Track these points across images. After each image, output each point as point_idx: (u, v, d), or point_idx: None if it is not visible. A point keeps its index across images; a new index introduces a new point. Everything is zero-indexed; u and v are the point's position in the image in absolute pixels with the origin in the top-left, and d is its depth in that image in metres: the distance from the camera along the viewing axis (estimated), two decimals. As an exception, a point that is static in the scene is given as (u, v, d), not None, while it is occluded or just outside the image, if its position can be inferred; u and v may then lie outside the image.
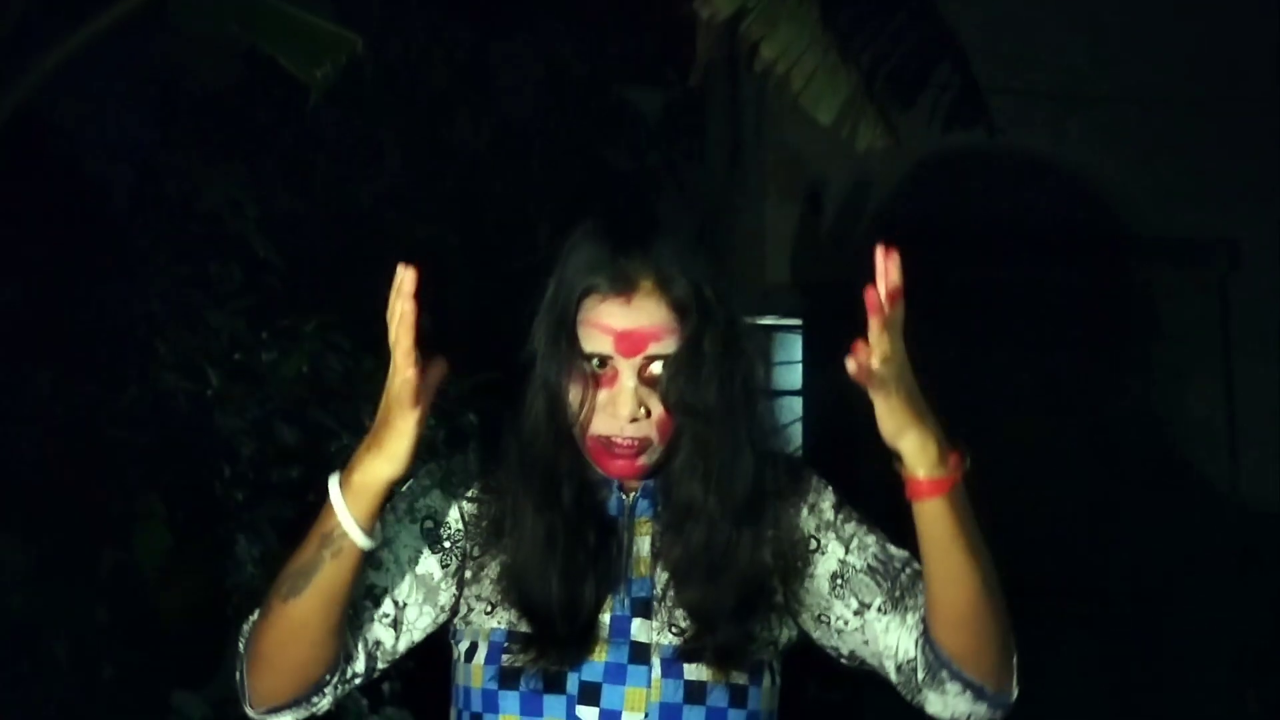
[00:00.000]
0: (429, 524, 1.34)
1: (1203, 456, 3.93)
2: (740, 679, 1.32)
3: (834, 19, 2.68)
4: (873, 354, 1.16)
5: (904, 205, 3.87)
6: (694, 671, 1.30)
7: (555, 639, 1.29)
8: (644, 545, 1.35)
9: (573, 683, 1.29)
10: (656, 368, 1.31)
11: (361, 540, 1.23)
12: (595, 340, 1.31)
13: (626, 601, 1.33)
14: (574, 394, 1.31)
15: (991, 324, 3.85)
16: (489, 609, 1.32)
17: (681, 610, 1.32)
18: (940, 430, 1.21)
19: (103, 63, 2.89)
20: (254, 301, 2.88)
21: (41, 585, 2.53)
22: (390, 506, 1.34)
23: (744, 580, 1.32)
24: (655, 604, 1.33)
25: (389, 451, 1.22)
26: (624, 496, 1.36)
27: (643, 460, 1.32)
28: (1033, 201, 3.90)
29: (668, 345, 1.31)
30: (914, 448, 1.20)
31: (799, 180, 3.88)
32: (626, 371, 1.30)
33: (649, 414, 1.31)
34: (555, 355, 1.32)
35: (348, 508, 1.22)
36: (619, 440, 1.30)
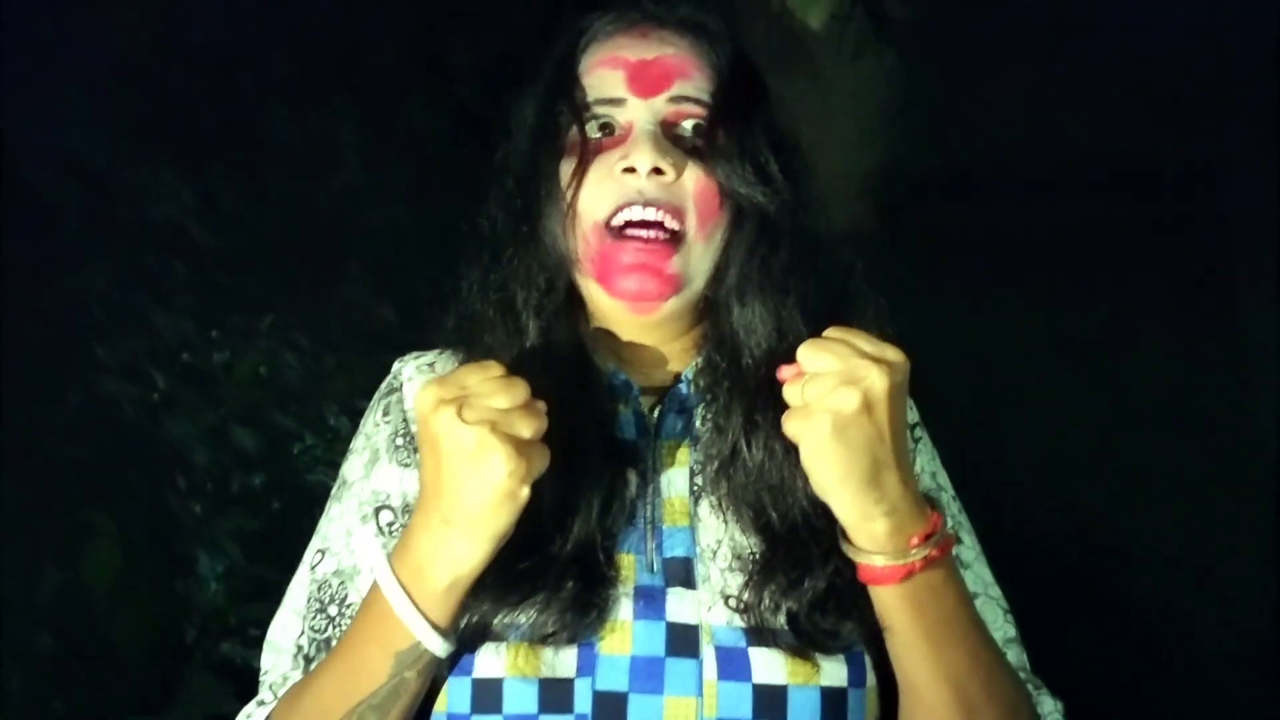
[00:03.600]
0: (385, 515, 1.08)
1: (1219, 401, 3.81)
2: (836, 676, 0.94)
3: None
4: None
5: (900, 151, 3.72)
6: (767, 666, 0.93)
7: (553, 594, 0.95)
8: (677, 481, 1.00)
9: (583, 696, 0.92)
10: (688, 125, 1.01)
11: (448, 648, 0.94)
12: (602, 81, 1.02)
13: (657, 564, 0.98)
14: (578, 175, 1.01)
15: (992, 268, 3.69)
16: None
17: (741, 572, 0.98)
18: (905, 498, 0.90)
19: (26, 41, 2.70)
20: (201, 298, 2.69)
21: (-20, 613, 2.34)
22: (336, 499, 1.11)
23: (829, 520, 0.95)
24: (700, 565, 0.99)
25: (491, 529, 0.90)
26: (643, 413, 1.02)
27: (674, 266, 0.99)
28: (1030, 142, 3.74)
29: (699, 87, 1.02)
30: (849, 515, 0.91)
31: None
32: (641, 117, 1.01)
33: (679, 174, 1.00)
34: (542, 137, 1.02)
35: (423, 613, 0.92)
36: (636, 221, 0.98)
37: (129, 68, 3.12)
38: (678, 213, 1.01)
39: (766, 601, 0.97)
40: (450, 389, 0.91)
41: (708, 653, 0.95)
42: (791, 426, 0.91)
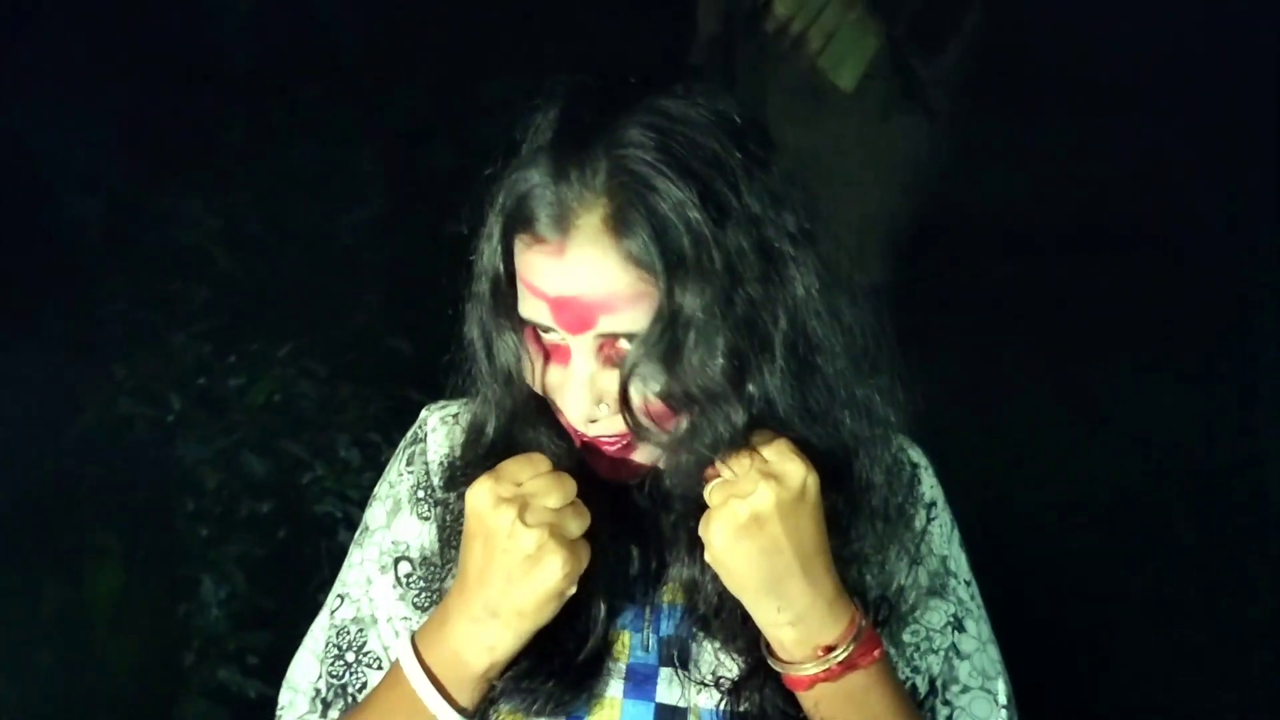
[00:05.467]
0: (404, 566, 1.08)
1: (1230, 459, 3.79)
2: None
3: None
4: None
5: (920, 200, 3.71)
6: None
7: (550, 676, 0.96)
8: (672, 556, 0.99)
9: None
10: (623, 341, 0.92)
11: None
12: (529, 305, 0.93)
13: (653, 642, 1.00)
14: (525, 361, 0.96)
15: (1008, 322, 3.68)
16: None
17: (735, 654, 0.98)
18: (815, 607, 0.90)
19: (54, 67, 2.74)
20: (221, 323, 2.69)
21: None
22: (358, 544, 1.10)
23: None
24: (695, 646, 1.00)
25: (535, 623, 0.91)
26: (639, 488, 1.00)
27: (639, 457, 0.96)
28: (1054, 197, 3.73)
29: (629, 320, 0.90)
30: (757, 619, 0.92)
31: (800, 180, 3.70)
32: (578, 353, 0.92)
33: (619, 405, 0.93)
34: (494, 309, 0.95)
35: (450, 698, 0.93)
36: (588, 438, 0.95)
37: (159, 93, 3.16)
38: (626, 434, 0.96)
39: (753, 687, 0.98)
40: (506, 486, 0.91)
41: None
42: (700, 528, 0.93)
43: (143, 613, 2.47)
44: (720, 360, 0.91)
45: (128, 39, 3.10)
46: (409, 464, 1.11)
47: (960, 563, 1.08)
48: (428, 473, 1.09)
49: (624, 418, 0.93)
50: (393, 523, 1.10)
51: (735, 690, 0.98)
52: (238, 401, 2.58)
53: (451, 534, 1.05)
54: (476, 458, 1.02)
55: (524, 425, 0.99)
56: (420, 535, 1.08)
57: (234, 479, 2.53)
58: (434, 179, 3.90)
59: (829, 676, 0.92)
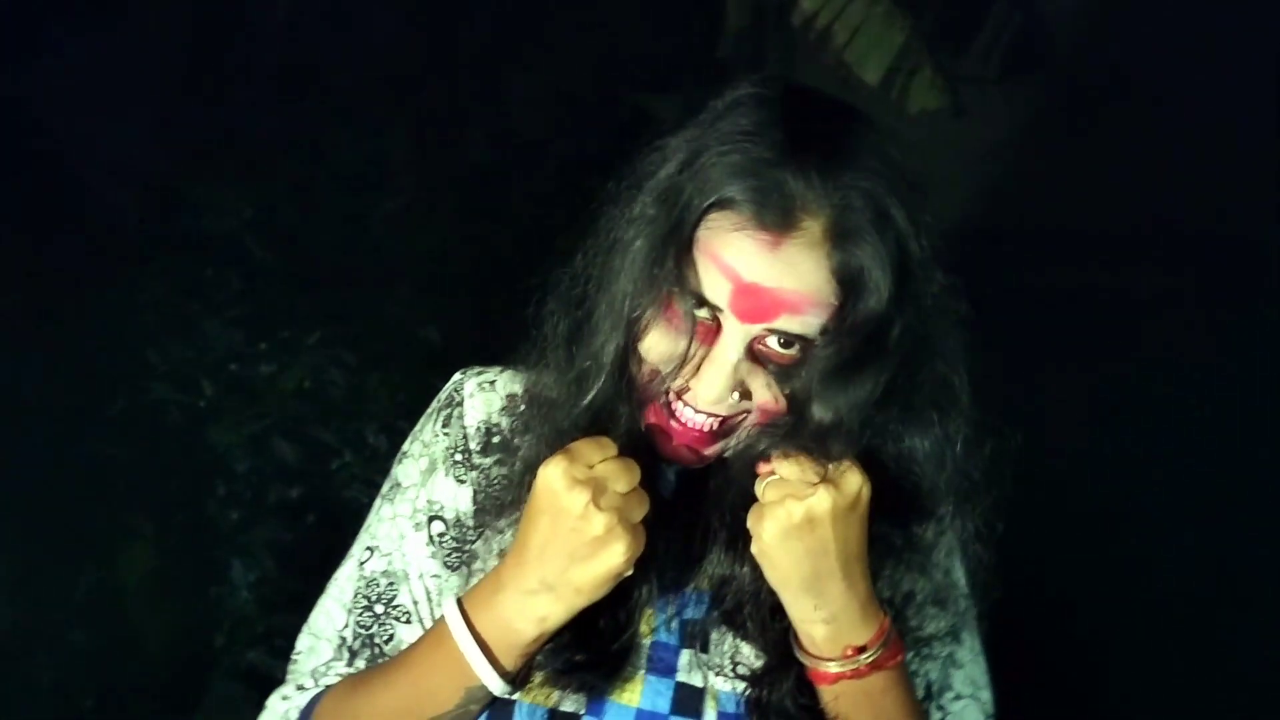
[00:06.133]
0: (437, 525, 1.09)
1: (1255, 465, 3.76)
2: None
3: None
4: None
5: (945, 205, 3.69)
6: None
7: (584, 648, 0.99)
8: (710, 545, 1.02)
9: None
10: (776, 345, 0.95)
11: (513, 691, 0.99)
12: (708, 281, 0.94)
13: (675, 624, 1.03)
14: (656, 334, 0.96)
15: (1040, 331, 3.67)
16: None
17: (757, 646, 1.02)
18: (849, 608, 0.95)
19: (89, 62, 2.77)
20: (253, 310, 2.72)
21: (18, 604, 2.38)
22: (388, 499, 1.11)
23: None
24: (716, 632, 1.03)
25: (589, 599, 0.95)
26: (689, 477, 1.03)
27: (713, 449, 0.99)
28: (1084, 202, 3.70)
29: (807, 324, 0.94)
30: (792, 614, 0.96)
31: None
32: (732, 337, 0.94)
33: (746, 397, 0.97)
34: (650, 277, 0.94)
35: (497, 662, 0.96)
36: (688, 419, 0.97)
37: (196, 83, 3.20)
38: (734, 424, 0.99)
39: (776, 679, 1.01)
40: (580, 468, 0.94)
41: (709, 716, 1.01)
42: (750, 521, 0.96)
43: (174, 595, 2.51)
44: (877, 390, 0.96)
45: (163, 32, 3.14)
46: (445, 425, 1.12)
47: (961, 576, 1.12)
48: (465, 436, 1.11)
49: (771, 396, 0.96)
50: (428, 481, 1.11)
51: (759, 680, 1.01)
52: (269, 388, 2.61)
53: (486, 498, 1.08)
54: (552, 431, 1.02)
55: (602, 404, 1.01)
56: (455, 497, 1.10)
57: (264, 464, 2.56)
58: (466, 170, 3.93)
59: (855, 675, 0.97)
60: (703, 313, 0.96)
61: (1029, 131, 3.30)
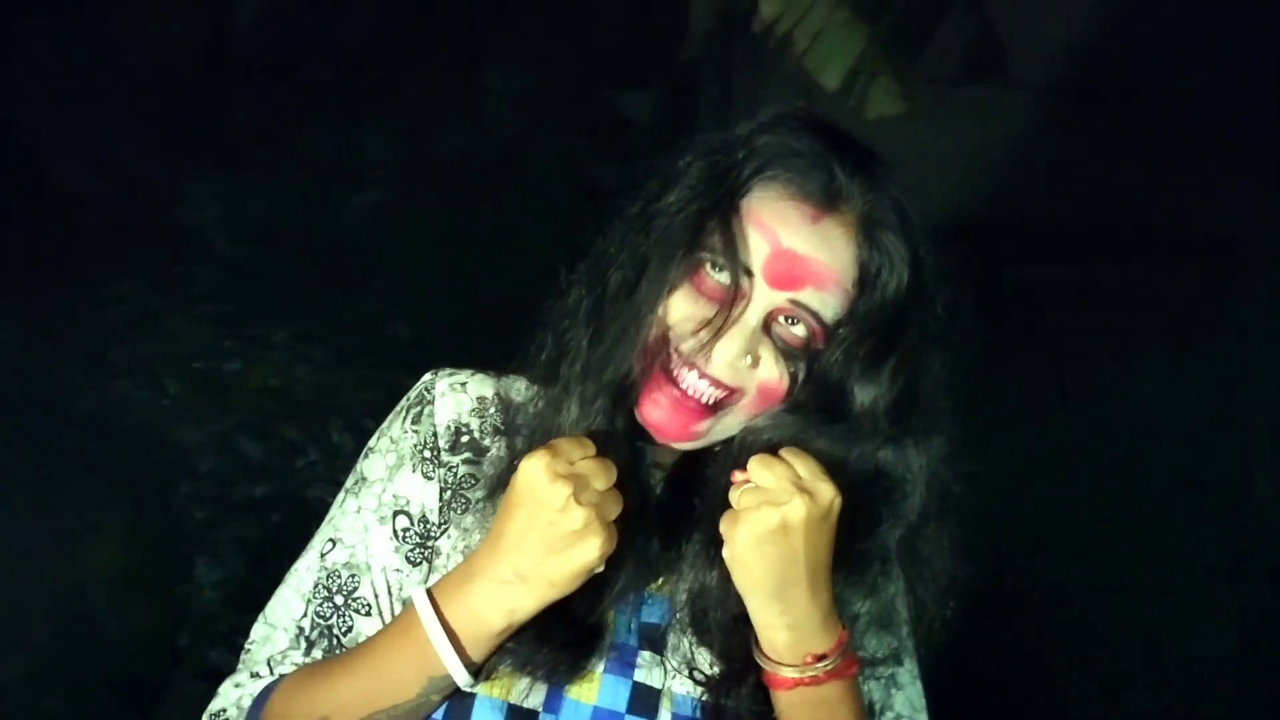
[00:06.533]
0: (401, 520, 1.10)
1: (1221, 459, 3.80)
2: None
3: None
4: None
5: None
6: None
7: (546, 642, 1.00)
8: (684, 548, 1.04)
9: None
10: (795, 328, 1.00)
11: (470, 683, 1.00)
12: (752, 242, 0.99)
13: (635, 624, 1.05)
14: (680, 296, 1.00)
15: (1004, 325, 3.69)
16: None
17: (717, 652, 1.03)
18: (812, 616, 0.98)
19: (59, 52, 2.75)
20: (220, 307, 2.71)
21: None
22: (352, 493, 1.12)
23: None
24: (673, 635, 1.05)
25: (560, 592, 0.96)
26: (649, 484, 1.05)
27: (703, 426, 1.01)
28: (1043, 198, 3.72)
29: (826, 303, 1.00)
30: (756, 619, 0.99)
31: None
32: (758, 302, 0.99)
33: (754, 365, 1.00)
34: (692, 241, 0.99)
35: (464, 652, 0.98)
36: (690, 386, 0.99)
37: (167, 74, 3.18)
38: (734, 393, 1.02)
39: (734, 684, 1.03)
40: (562, 464, 0.96)
41: (664, 717, 1.03)
42: (723, 526, 0.98)
43: (139, 593, 2.51)
44: (887, 390, 1.02)
45: (137, 23, 3.12)
46: (415, 422, 1.13)
47: (905, 604, 1.14)
48: (434, 434, 1.11)
49: (778, 371, 1.00)
50: (395, 476, 1.12)
51: (716, 686, 1.03)
52: (235, 385, 2.60)
53: (453, 495, 1.10)
54: (532, 434, 1.05)
55: (591, 409, 1.03)
56: (422, 493, 1.11)
57: (230, 462, 2.55)
58: (439, 165, 3.92)
59: (813, 682, 0.99)
60: (721, 277, 1.01)
61: (987, 133, 3.33)
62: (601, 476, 0.96)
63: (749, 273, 1.00)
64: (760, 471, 0.97)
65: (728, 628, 1.03)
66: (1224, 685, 3.67)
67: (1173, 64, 3.62)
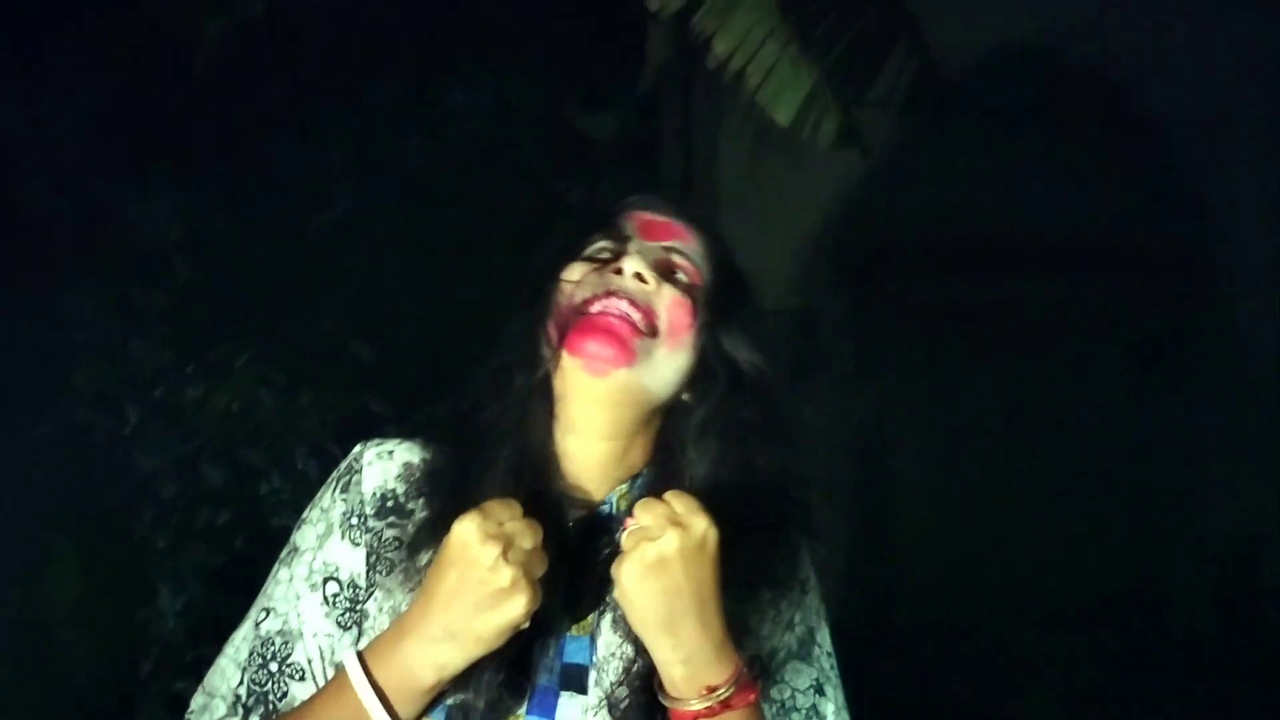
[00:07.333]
0: (331, 586, 1.14)
1: (1187, 476, 3.86)
2: None
3: (794, 5, 2.49)
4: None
5: (868, 224, 3.75)
6: None
7: (468, 689, 1.04)
8: (596, 595, 1.10)
9: None
10: (678, 274, 1.15)
11: None
12: (614, 229, 1.17)
13: (556, 667, 1.09)
14: (571, 268, 1.14)
15: (963, 345, 3.74)
16: None
17: (628, 686, 1.08)
18: (704, 648, 1.02)
19: (17, 71, 2.72)
20: (181, 330, 2.69)
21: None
22: (285, 563, 1.16)
23: None
24: (594, 673, 1.09)
25: (487, 648, 1.02)
26: (568, 529, 1.11)
27: (636, 343, 1.10)
28: (1000, 215, 3.79)
29: (695, 250, 1.16)
30: (653, 655, 1.04)
31: (756, 202, 3.74)
32: (640, 249, 1.15)
33: (658, 286, 1.13)
34: (580, 249, 1.15)
35: (392, 709, 1.02)
36: (612, 308, 1.10)
37: (127, 91, 3.15)
38: (649, 313, 1.12)
39: (643, 716, 1.07)
40: (492, 525, 1.02)
41: None
42: (614, 568, 1.04)
43: (101, 620, 2.48)
44: (740, 351, 1.16)
45: (95, 38, 3.09)
46: (343, 491, 1.18)
47: (825, 636, 1.20)
48: (361, 501, 1.17)
49: (669, 321, 1.13)
50: (324, 545, 1.16)
51: (623, 718, 1.08)
52: (196, 410, 2.57)
53: (379, 559, 1.15)
54: (450, 494, 1.11)
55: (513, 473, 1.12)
56: (350, 559, 1.15)
57: (192, 488, 2.53)
58: (399, 184, 3.91)
59: (709, 713, 1.03)
60: (604, 254, 1.16)
61: (929, 159, 3.41)
62: (529, 536, 1.02)
63: (626, 237, 1.15)
64: (641, 512, 1.03)
65: (637, 671, 1.08)
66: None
67: (1122, 84, 3.70)
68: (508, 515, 1.03)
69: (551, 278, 1.15)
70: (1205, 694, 3.62)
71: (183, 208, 2.96)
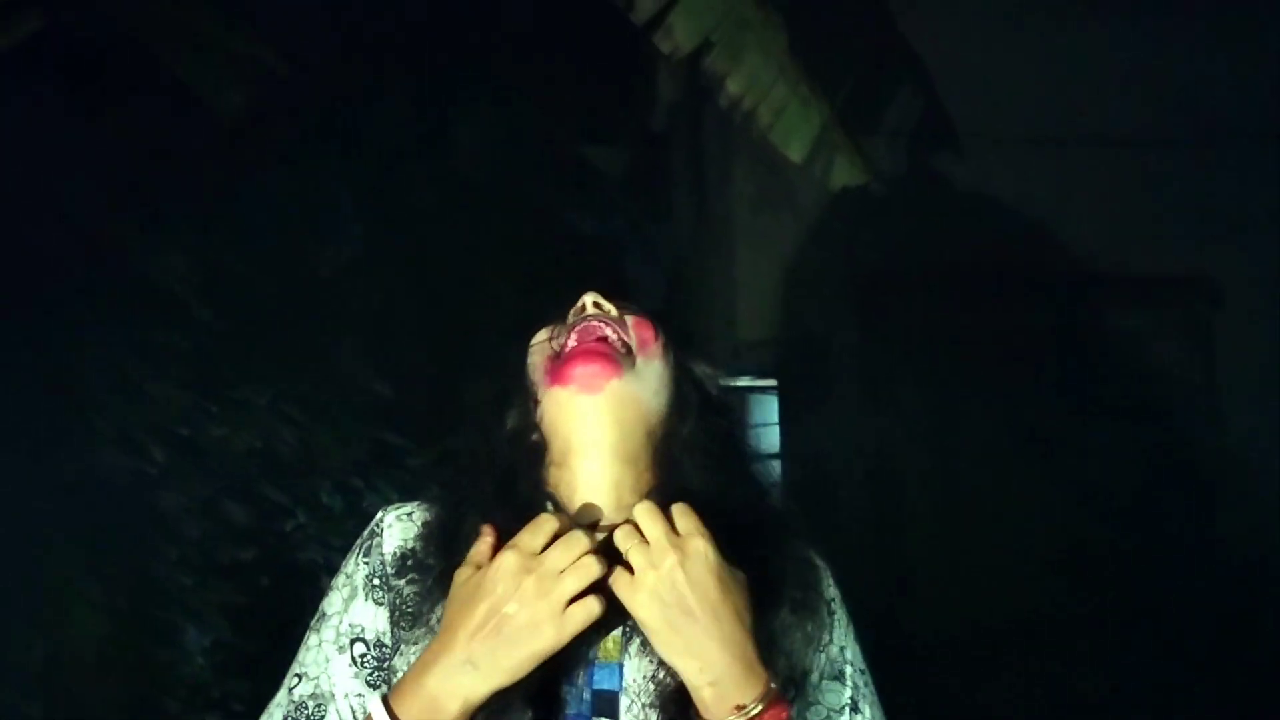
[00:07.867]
0: (359, 647, 1.17)
1: (1185, 497, 3.88)
2: None
3: (802, 47, 2.54)
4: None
5: (877, 252, 3.79)
6: None
7: (505, 712, 1.05)
8: (616, 619, 1.09)
9: None
10: (630, 319, 1.19)
11: None
12: (565, 309, 1.21)
13: (588, 694, 1.10)
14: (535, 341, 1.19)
15: (968, 368, 3.76)
16: None
17: (661, 710, 1.08)
18: (732, 668, 1.03)
19: (38, 113, 2.75)
20: (201, 372, 2.71)
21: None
22: (314, 630, 1.20)
23: None
24: (625, 698, 1.10)
25: (513, 678, 1.04)
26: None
27: (618, 358, 1.15)
28: (1006, 244, 3.82)
29: (639, 310, 1.21)
30: (682, 677, 1.05)
31: (768, 233, 3.78)
32: (591, 296, 1.20)
33: (620, 311, 1.19)
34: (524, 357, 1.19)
35: None
36: (583, 334, 1.16)
37: (137, 137, 3.17)
38: (618, 325, 1.18)
39: None
40: (527, 558, 1.05)
41: None
42: (624, 593, 1.06)
43: (128, 661, 2.48)
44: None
45: (107, 85, 3.12)
46: (366, 555, 1.22)
47: (856, 653, 1.21)
48: (383, 563, 1.20)
49: (619, 312, 1.19)
50: (350, 607, 1.19)
51: None
52: (219, 450, 2.59)
53: (401, 616, 1.17)
54: (454, 558, 1.13)
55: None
56: (375, 619, 1.19)
57: (217, 527, 2.54)
58: (411, 219, 3.93)
59: None
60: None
61: (936, 191, 3.45)
62: (563, 556, 1.04)
63: (582, 306, 1.19)
64: (643, 517, 1.06)
65: (663, 694, 1.09)
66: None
67: (1123, 114, 3.75)
68: (541, 539, 1.06)
69: (520, 361, 1.20)
70: (1205, 700, 3.62)
71: (195, 250, 2.98)
